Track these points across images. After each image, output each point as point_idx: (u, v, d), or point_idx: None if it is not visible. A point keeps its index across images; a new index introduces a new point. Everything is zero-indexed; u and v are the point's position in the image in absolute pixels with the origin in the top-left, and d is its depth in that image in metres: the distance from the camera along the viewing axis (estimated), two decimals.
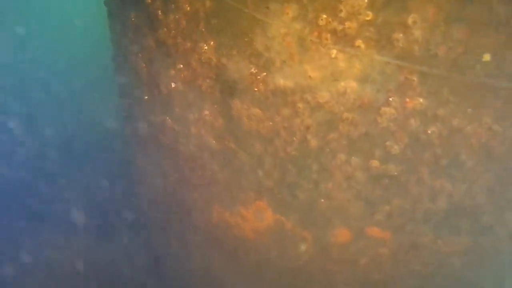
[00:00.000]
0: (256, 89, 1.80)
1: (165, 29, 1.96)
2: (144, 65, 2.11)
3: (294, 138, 1.83)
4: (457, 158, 1.78)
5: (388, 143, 1.75)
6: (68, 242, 2.89)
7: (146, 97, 2.16)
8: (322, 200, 1.96)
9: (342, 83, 1.66)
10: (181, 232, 2.43)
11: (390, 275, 2.24)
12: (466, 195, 1.91)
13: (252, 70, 1.77)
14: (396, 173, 1.82)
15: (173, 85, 2.01)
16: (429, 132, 1.70)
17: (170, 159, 2.23)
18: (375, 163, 1.80)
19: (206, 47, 1.85)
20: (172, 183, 2.26)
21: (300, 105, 1.75)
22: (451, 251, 2.15)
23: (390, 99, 1.65)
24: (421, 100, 1.63)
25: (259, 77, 1.77)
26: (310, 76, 1.68)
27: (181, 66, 1.97)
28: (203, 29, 1.85)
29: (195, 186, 2.20)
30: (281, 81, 1.74)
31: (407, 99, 1.64)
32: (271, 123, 1.84)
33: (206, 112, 1.98)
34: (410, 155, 1.78)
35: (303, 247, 2.17)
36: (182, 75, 1.98)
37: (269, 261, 2.30)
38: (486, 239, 2.12)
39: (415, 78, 1.59)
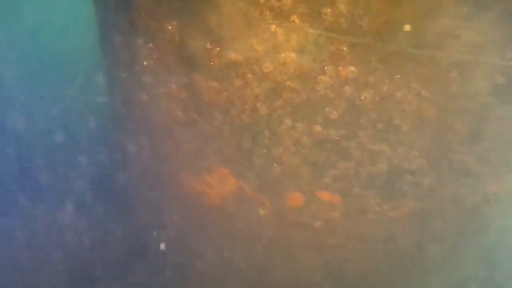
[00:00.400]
0: (212, 63, 2.05)
1: (137, 11, 2.23)
2: (122, 45, 2.38)
3: (246, 107, 2.06)
4: (391, 123, 1.99)
5: (327, 109, 1.97)
6: (41, 212, 3.12)
7: (124, 75, 2.43)
8: (275, 165, 2.19)
9: (283, 55, 1.89)
10: (154, 202, 2.67)
11: (343, 239, 2.44)
12: (405, 159, 2.11)
13: (208, 46, 2.02)
14: (337, 138, 2.04)
15: (145, 63, 2.28)
16: (362, 98, 1.91)
17: (144, 132, 2.49)
18: (317, 128, 2.03)
19: (170, 27, 2.12)
20: (146, 155, 2.52)
21: (249, 76, 1.99)
22: (397, 215, 2.34)
23: (325, 68, 1.87)
24: (352, 68, 1.85)
25: (213, 52, 2.02)
26: (256, 50, 1.92)
27: (151, 45, 2.24)
28: (167, 11, 2.11)
29: (166, 156, 2.46)
30: (232, 55, 1.98)
31: (340, 68, 1.86)
32: (226, 93, 2.08)
33: (173, 86, 2.24)
34: (348, 120, 1.99)
35: (262, 212, 2.39)
36: (152, 53, 2.25)
37: (234, 227, 2.53)
38: (430, 202, 2.31)
39: (344, 48, 1.81)
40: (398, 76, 1.86)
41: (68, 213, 2.98)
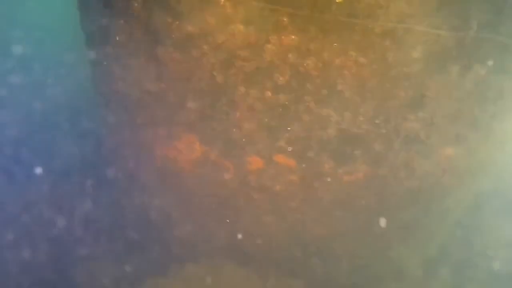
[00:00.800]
0: (173, 36, 2.29)
1: None
2: (98, 24, 2.65)
3: (204, 75, 2.29)
4: (335, 88, 2.19)
5: (275, 75, 2.18)
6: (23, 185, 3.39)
7: (98, 52, 2.70)
8: (234, 130, 2.41)
9: (232, 26, 2.11)
10: (130, 170, 2.93)
11: (302, 202, 2.65)
12: (352, 124, 2.31)
13: (168, 20, 2.25)
14: (287, 102, 2.25)
15: (117, 38, 2.53)
16: (305, 64, 2.12)
17: (120, 103, 2.75)
18: (268, 93, 2.24)
19: (136, 4, 2.36)
20: (121, 124, 2.78)
21: (205, 46, 2.22)
22: (352, 179, 2.53)
23: (270, 37, 2.08)
24: (293, 37, 2.05)
25: (174, 25, 2.25)
26: (208, 22, 2.15)
27: (122, 21, 2.49)
28: None
29: (139, 125, 2.71)
30: (190, 28, 2.21)
31: (283, 37, 2.07)
32: (187, 63, 2.32)
33: (142, 59, 2.49)
34: (295, 85, 2.20)
35: (226, 176, 2.63)
36: (123, 29, 2.50)
37: (203, 191, 2.77)
38: (382, 167, 2.49)
39: (285, 19, 2.02)
40: (336, 44, 2.06)
41: (43, 178, 3.25)
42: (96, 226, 3.01)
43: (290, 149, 2.41)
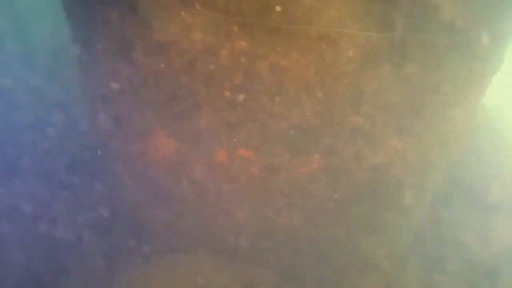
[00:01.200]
0: (145, 43, 2.66)
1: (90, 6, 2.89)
2: (82, 30, 3.06)
3: (172, 78, 2.65)
4: (283, 87, 2.52)
5: (231, 77, 2.53)
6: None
7: (81, 52, 3.11)
8: (200, 126, 2.75)
9: (192, 34, 2.47)
10: (110, 166, 3.29)
11: (264, 194, 2.96)
12: (302, 119, 2.62)
13: (141, 29, 2.63)
14: (243, 101, 2.59)
15: (99, 46, 2.93)
16: (256, 65, 2.46)
17: (94, 100, 3.14)
18: (227, 93, 2.58)
19: (115, 16, 2.75)
20: (101, 122, 3.16)
21: (172, 52, 2.58)
22: (308, 171, 2.83)
23: (224, 43, 2.44)
24: (243, 42, 2.40)
25: (145, 34, 2.63)
26: (172, 32, 2.52)
27: (102, 30, 2.89)
28: (110, 4, 2.76)
29: (118, 119, 3.08)
30: (158, 36, 2.59)
31: (234, 42, 2.42)
32: (158, 68, 2.69)
33: (119, 64, 2.87)
34: (249, 86, 2.54)
35: (197, 168, 2.96)
36: (103, 36, 2.90)
37: (179, 186, 3.10)
38: (334, 160, 2.79)
39: (235, 27, 2.38)
40: (279, 48, 2.40)
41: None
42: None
43: (249, 143, 2.74)
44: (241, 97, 2.60)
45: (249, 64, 2.48)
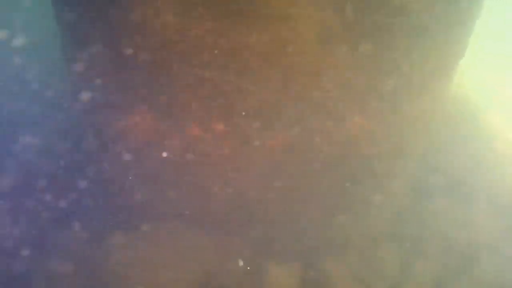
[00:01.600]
0: (122, 25, 2.94)
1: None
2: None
3: (148, 55, 2.92)
4: (248, 64, 2.76)
5: (199, 55, 2.78)
6: None
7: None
8: (175, 102, 3.01)
9: (164, 17, 2.74)
10: (92, 145, 3.57)
11: (236, 167, 3.19)
12: (268, 94, 2.86)
13: (119, 11, 2.91)
14: (212, 78, 2.84)
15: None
16: (221, 45, 2.71)
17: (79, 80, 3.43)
18: (196, 69, 2.84)
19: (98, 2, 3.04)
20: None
21: (146, 31, 2.85)
22: (276, 144, 3.07)
23: (192, 25, 2.70)
24: (209, 23, 2.66)
25: (122, 16, 2.91)
26: (147, 14, 2.79)
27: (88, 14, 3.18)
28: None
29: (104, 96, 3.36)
30: (133, 17, 2.86)
31: (201, 24, 2.68)
32: (135, 46, 2.96)
33: (101, 44, 3.15)
34: (217, 62, 2.79)
35: (175, 142, 3.21)
36: (88, 20, 3.19)
37: (164, 162, 3.36)
38: (300, 133, 3.01)
39: (202, 9, 2.64)
40: (242, 27, 2.65)
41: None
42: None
43: (221, 117, 3.00)
44: (210, 74, 2.86)
45: (212, 43, 2.74)
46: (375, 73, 2.90)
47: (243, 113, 2.97)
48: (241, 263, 3.57)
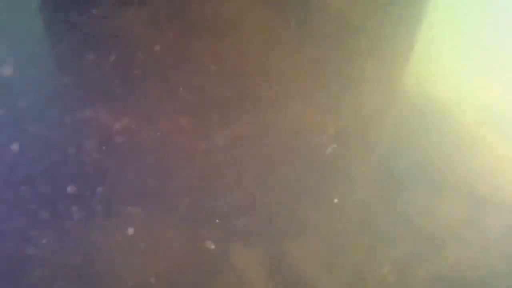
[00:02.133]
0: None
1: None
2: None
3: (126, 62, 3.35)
4: (203, 63, 3.15)
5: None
6: None
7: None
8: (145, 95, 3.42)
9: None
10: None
11: (203, 156, 3.59)
12: (220, 89, 3.24)
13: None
14: (173, 76, 3.25)
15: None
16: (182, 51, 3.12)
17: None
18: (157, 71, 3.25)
19: None
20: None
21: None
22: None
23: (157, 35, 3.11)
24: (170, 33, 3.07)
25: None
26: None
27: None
28: None
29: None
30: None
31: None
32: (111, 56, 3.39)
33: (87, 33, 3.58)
34: (180, 65, 3.19)
35: (142, 136, 3.62)
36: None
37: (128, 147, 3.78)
38: (253, 127, 3.39)
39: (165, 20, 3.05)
40: (200, 34, 3.05)
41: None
42: None
43: (186, 110, 3.38)
44: (171, 73, 3.26)
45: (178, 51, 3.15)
46: (322, 72, 3.27)
47: (209, 104, 3.34)
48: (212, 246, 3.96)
